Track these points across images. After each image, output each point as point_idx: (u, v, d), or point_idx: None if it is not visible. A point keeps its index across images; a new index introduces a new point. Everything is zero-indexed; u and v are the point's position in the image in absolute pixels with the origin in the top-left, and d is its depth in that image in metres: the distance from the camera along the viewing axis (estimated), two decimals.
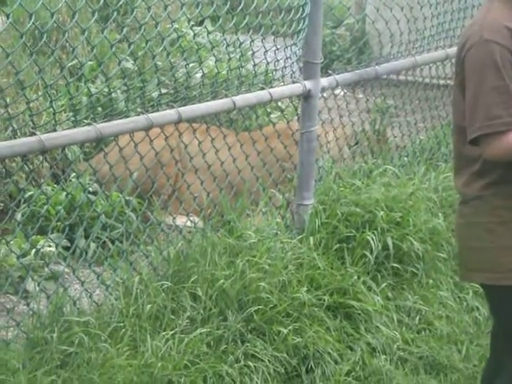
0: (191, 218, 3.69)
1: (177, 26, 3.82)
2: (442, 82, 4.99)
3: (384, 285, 3.65)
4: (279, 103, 4.76)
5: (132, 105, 3.57)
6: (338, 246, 3.70)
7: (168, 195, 4.03)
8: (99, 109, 4.05)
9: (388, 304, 3.58)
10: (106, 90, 3.96)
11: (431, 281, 3.77)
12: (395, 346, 3.42)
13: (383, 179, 4.09)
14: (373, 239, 3.69)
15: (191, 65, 3.85)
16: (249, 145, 4.04)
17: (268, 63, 3.86)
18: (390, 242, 3.74)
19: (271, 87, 3.81)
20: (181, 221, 3.80)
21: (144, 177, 3.69)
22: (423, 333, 3.56)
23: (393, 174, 4.24)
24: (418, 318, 3.61)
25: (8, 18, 2.84)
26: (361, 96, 4.82)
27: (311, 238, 3.69)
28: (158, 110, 3.39)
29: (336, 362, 3.26)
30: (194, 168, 3.70)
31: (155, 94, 3.65)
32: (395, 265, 3.75)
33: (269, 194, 3.92)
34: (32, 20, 2.83)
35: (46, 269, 3.37)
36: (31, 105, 3.19)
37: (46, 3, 3.09)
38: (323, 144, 4.31)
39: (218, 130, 3.97)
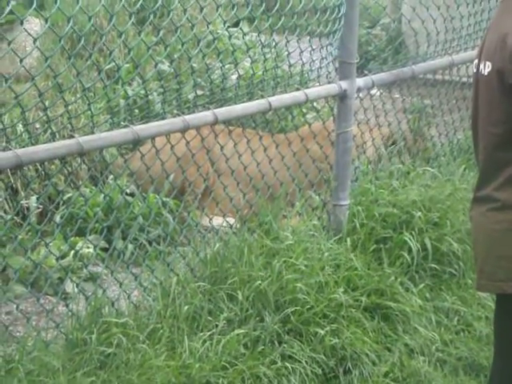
0: (227, 219, 3.70)
1: (212, 28, 3.81)
2: None
3: (422, 286, 3.64)
4: (315, 104, 4.75)
5: (168, 107, 3.57)
6: (375, 246, 3.69)
7: (204, 196, 4.04)
8: (136, 111, 4.10)
9: (426, 305, 3.56)
10: (143, 92, 4.01)
11: (470, 281, 3.74)
12: (434, 348, 3.39)
13: (421, 180, 4.08)
14: (410, 240, 3.67)
15: (227, 66, 3.86)
16: (284, 146, 4.04)
17: (303, 64, 3.86)
18: (427, 242, 3.72)
19: (307, 88, 3.80)
20: (217, 222, 3.82)
21: (180, 178, 3.69)
22: (462, 334, 3.54)
23: (431, 175, 4.21)
24: (456, 318, 3.59)
25: (47, 22, 2.86)
26: (397, 96, 4.80)
27: (348, 239, 3.69)
28: (194, 112, 3.40)
29: (374, 364, 3.24)
30: (230, 169, 3.70)
31: (191, 96, 3.66)
32: (433, 265, 3.73)
33: (305, 195, 3.92)
34: (70, 24, 2.85)
35: (85, 270, 3.40)
36: (69, 108, 3.21)
37: (84, 7, 3.11)
38: (359, 144, 4.32)
39: (253, 131, 3.97)
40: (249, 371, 3.00)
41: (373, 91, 4.43)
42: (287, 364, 3.07)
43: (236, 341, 3.07)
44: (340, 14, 3.82)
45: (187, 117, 3.26)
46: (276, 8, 3.62)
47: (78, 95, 4.12)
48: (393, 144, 4.55)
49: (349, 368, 3.19)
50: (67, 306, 3.09)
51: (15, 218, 3.73)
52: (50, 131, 3.50)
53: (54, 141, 3.25)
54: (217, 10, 3.47)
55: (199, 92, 3.84)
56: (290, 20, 3.74)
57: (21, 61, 2.76)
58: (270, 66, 3.79)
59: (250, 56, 3.76)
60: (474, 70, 2.46)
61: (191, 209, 3.69)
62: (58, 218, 3.64)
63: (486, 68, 2.38)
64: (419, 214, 3.76)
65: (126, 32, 3.21)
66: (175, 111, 3.38)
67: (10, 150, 2.74)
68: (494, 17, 2.46)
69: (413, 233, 3.70)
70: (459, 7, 4.73)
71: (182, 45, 3.31)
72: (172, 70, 3.54)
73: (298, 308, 3.24)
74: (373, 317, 3.41)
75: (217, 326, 3.11)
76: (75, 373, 2.83)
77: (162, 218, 3.79)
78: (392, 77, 4.19)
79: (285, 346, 3.13)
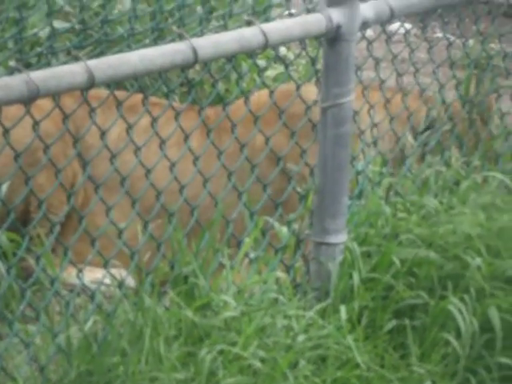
0: (112, 271, 3.74)
1: None
2: None
3: None
4: (282, 50, 4.79)
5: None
6: (394, 323, 3.79)
7: (68, 227, 4.12)
8: None
9: None
10: None
11: None
12: None
13: (482, 196, 4.16)
14: (461, 311, 3.73)
15: None
16: (223, 130, 4.16)
17: None
18: (494, 315, 3.83)
19: (266, 21, 3.99)
20: (93, 277, 3.89)
21: (22, 191, 3.66)
22: None
23: (500, 185, 4.32)
24: None
25: None
26: (438, 35, 4.88)
27: (343, 309, 3.76)
28: (49, 65, 3.49)
29: None
30: (119, 175, 3.75)
31: (44, 33, 3.69)
32: (504, 360, 3.83)
33: (261, 225, 3.98)
34: None
35: None
36: None
37: None
38: (365, 128, 4.40)
39: (163, 102, 4.09)
40: None
41: (392, 27, 4.57)
42: None
43: None
44: None
45: (35, 74, 3.32)
46: None
47: None
48: (429, 128, 4.63)
49: None
50: None
51: None
52: None
53: None
54: None
55: (59, 25, 3.84)
56: None
57: None
58: None
59: None
60: None
61: (43, 251, 3.69)
62: None
63: None
64: (478, 261, 3.86)
65: None
66: (11, 63, 3.43)
67: None
68: None
69: (466, 298, 3.77)
70: None
71: None
72: None
73: None
74: None
75: None
76: None
77: None
78: (428, 1, 4.33)
79: None
